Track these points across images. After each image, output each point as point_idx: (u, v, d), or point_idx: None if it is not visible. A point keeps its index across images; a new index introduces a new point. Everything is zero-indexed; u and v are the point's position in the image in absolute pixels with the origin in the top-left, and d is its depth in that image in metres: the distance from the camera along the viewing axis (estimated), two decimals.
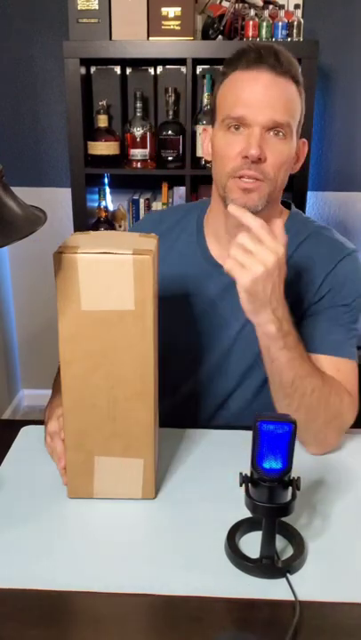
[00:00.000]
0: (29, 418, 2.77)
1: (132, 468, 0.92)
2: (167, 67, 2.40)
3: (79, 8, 2.15)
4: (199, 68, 2.37)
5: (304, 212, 1.40)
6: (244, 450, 0.81)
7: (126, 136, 2.38)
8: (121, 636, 0.73)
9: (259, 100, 1.05)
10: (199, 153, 2.34)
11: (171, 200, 2.49)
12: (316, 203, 2.65)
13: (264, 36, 2.17)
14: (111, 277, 0.83)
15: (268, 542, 0.79)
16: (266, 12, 2.19)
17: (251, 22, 2.17)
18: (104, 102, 2.38)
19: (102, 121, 2.36)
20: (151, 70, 2.42)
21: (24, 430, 1.12)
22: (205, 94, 2.32)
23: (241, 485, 0.79)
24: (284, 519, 0.81)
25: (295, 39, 2.18)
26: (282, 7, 2.22)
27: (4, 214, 0.74)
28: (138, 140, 2.35)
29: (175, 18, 2.15)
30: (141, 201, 2.49)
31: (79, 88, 2.24)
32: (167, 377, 1.07)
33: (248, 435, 0.76)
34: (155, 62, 2.39)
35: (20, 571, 0.81)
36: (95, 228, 2.47)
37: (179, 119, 2.38)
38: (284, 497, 0.77)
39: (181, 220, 1.28)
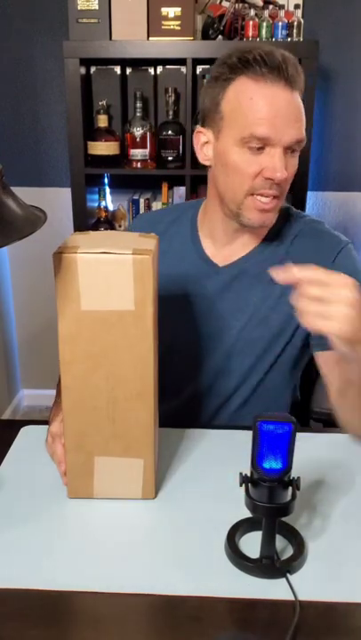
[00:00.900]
0: (29, 418, 2.78)
1: (131, 468, 0.92)
2: (167, 67, 2.39)
3: (79, 8, 2.15)
4: (199, 68, 2.37)
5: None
6: (244, 450, 0.81)
7: (126, 136, 2.38)
8: (121, 636, 0.73)
9: (282, 120, 1.03)
10: None
11: (171, 200, 2.49)
12: (317, 203, 2.65)
13: (264, 36, 2.17)
14: (111, 277, 0.83)
15: (268, 542, 0.79)
16: (266, 12, 2.19)
17: (251, 22, 2.17)
18: (104, 102, 2.38)
19: (102, 121, 2.36)
20: (151, 70, 2.42)
21: (24, 430, 1.12)
22: None
23: (241, 485, 0.79)
24: (284, 519, 0.81)
25: (295, 39, 2.18)
26: (282, 7, 2.22)
27: (4, 214, 0.74)
28: (138, 139, 2.35)
29: (175, 18, 2.15)
30: (141, 201, 2.49)
31: (79, 88, 2.24)
32: (168, 378, 1.07)
33: (248, 435, 0.76)
34: (155, 62, 2.38)
35: (20, 571, 0.81)
36: (95, 228, 2.47)
37: (179, 119, 2.38)
38: (284, 497, 0.77)
39: (176, 220, 1.28)
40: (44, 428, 1.05)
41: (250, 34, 2.18)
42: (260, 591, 0.77)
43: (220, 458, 1.04)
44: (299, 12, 2.24)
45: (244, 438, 0.85)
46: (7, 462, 1.03)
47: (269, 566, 0.79)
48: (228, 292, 1.19)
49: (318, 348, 1.14)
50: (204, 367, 1.22)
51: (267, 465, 0.76)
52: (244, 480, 0.79)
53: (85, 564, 0.82)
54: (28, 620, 0.74)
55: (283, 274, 0.84)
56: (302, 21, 2.19)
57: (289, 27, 2.17)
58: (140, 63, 2.40)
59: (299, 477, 0.78)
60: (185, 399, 1.25)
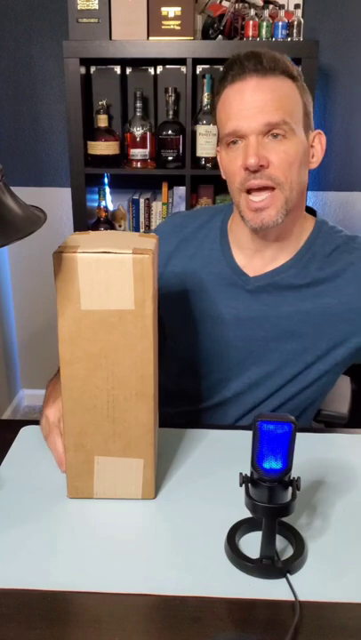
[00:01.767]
0: (29, 418, 2.78)
1: (131, 468, 0.92)
2: (167, 66, 2.39)
3: (79, 8, 2.15)
4: (199, 68, 2.37)
5: None
6: (244, 450, 0.81)
7: (126, 136, 2.38)
8: (121, 636, 0.72)
9: (247, 108, 1.03)
10: (199, 153, 2.34)
11: (171, 200, 2.49)
12: (317, 203, 2.65)
13: (264, 35, 2.17)
14: (111, 277, 0.83)
15: (268, 542, 0.79)
16: (266, 12, 2.19)
17: (251, 22, 2.17)
18: (104, 102, 2.38)
19: (102, 121, 2.36)
20: (151, 70, 2.42)
21: (24, 430, 1.12)
22: (205, 94, 2.32)
23: (241, 485, 0.79)
24: (284, 519, 0.81)
25: (295, 39, 2.18)
26: (282, 7, 2.22)
27: (4, 214, 0.74)
28: (138, 139, 2.35)
29: (175, 18, 2.15)
30: (141, 201, 2.49)
31: (79, 88, 2.24)
32: (196, 384, 1.05)
33: (248, 435, 0.76)
34: (155, 62, 2.38)
35: (20, 571, 0.81)
36: (95, 227, 2.47)
37: (179, 119, 2.38)
38: (284, 497, 0.77)
39: (205, 224, 1.25)
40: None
41: (250, 34, 2.18)
42: (260, 591, 0.77)
43: (220, 458, 1.04)
44: (299, 12, 2.24)
45: (244, 438, 0.85)
46: (7, 462, 1.03)
47: (269, 566, 0.79)
48: (257, 302, 1.17)
49: None
50: (228, 377, 1.21)
51: (267, 465, 0.76)
52: (244, 480, 0.79)
53: (85, 564, 0.82)
54: (28, 620, 0.74)
55: None
56: (302, 21, 2.19)
57: (289, 26, 2.17)
58: (139, 63, 2.40)
59: (299, 477, 0.78)
60: (211, 406, 1.24)
